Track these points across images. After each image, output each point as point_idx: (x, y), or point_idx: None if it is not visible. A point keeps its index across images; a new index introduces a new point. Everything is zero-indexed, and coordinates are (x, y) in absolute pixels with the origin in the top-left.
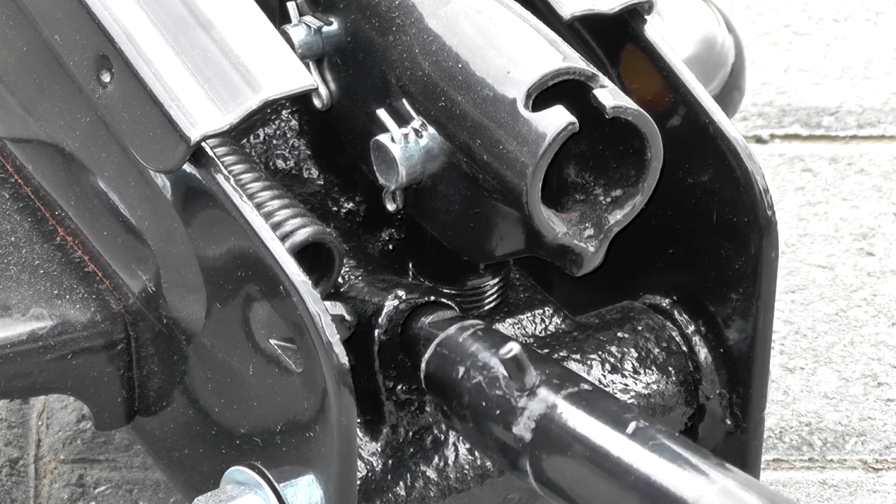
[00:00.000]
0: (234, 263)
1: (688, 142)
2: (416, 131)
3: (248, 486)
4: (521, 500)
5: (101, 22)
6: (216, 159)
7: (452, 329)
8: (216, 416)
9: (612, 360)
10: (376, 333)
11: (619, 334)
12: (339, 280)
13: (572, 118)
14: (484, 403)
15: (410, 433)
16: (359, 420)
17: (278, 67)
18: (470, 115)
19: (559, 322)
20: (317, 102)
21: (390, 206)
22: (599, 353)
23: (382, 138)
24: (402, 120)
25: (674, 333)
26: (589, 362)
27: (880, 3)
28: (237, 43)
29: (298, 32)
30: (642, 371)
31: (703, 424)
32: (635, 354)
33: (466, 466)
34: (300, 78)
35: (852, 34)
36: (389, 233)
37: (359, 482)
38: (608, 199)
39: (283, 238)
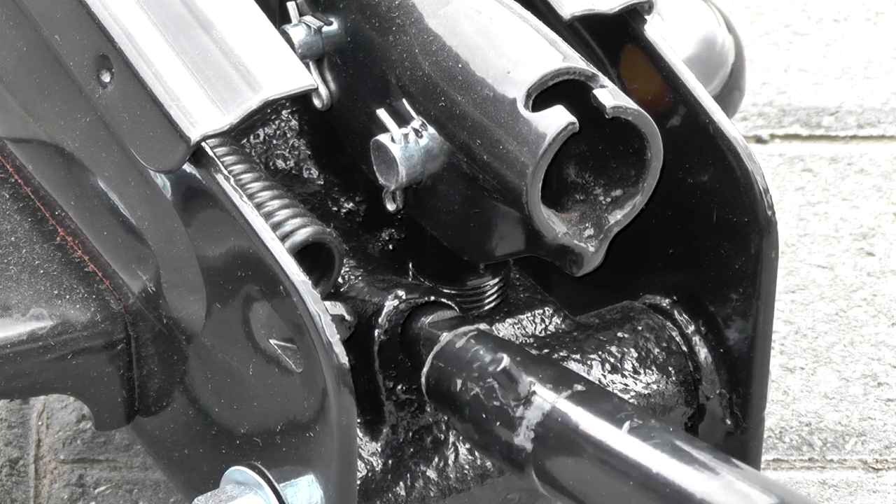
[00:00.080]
0: (234, 263)
1: (688, 142)
2: (416, 131)
3: (248, 486)
4: (521, 500)
5: (100, 22)
6: (216, 159)
7: (448, 337)
8: (216, 416)
9: (612, 360)
10: (376, 333)
11: (619, 334)
12: (339, 280)
13: (572, 118)
14: (484, 415)
15: (410, 433)
16: (359, 420)
17: (278, 67)
18: (470, 115)
19: (559, 322)
20: (317, 102)
21: (390, 206)
22: (599, 353)
23: (382, 138)
24: (402, 120)
25: (674, 333)
26: (589, 362)
27: (880, 3)
28: (237, 43)
29: (298, 32)
30: (642, 371)
31: (703, 424)
32: (635, 354)
33: (466, 466)
34: (300, 78)
35: (852, 34)
36: (389, 233)
37: (359, 482)
38: (608, 199)
39: (283, 238)
